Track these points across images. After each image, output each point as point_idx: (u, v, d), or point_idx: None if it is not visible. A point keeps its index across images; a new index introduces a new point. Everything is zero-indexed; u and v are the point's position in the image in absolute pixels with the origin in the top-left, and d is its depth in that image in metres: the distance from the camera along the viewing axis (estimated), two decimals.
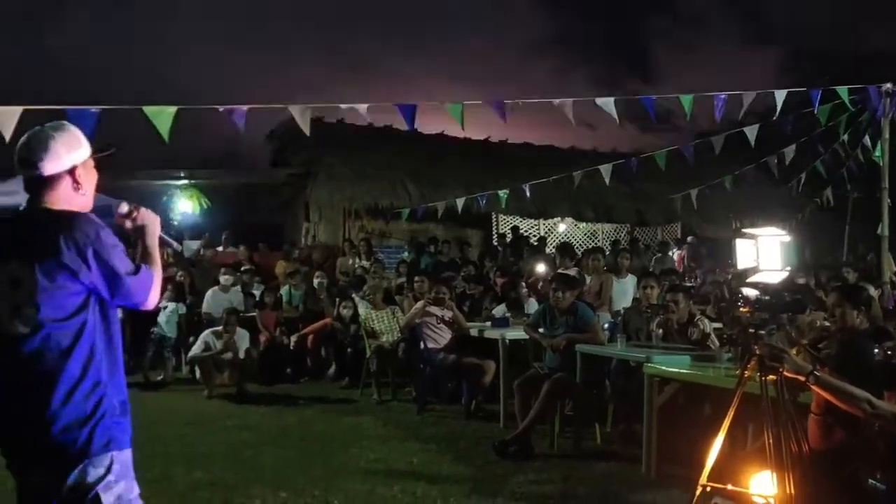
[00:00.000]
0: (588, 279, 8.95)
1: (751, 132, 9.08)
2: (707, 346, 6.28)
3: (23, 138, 2.33)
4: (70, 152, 2.32)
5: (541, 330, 6.52)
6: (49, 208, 2.30)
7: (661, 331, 6.38)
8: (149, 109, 4.97)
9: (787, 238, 3.00)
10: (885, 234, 8.55)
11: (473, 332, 7.53)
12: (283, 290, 10.96)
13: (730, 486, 3.20)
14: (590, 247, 13.68)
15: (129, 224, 2.46)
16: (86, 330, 2.24)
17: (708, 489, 3.20)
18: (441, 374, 7.50)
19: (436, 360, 7.41)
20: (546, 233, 16.32)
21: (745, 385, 3.17)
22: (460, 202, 12.26)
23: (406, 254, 14.53)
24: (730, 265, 13.84)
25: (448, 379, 7.62)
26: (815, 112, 8.25)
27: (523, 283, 9.05)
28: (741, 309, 3.10)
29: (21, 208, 2.35)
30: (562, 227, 16.79)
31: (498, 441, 5.84)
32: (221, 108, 5.27)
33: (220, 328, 8.48)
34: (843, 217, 15.95)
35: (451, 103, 5.97)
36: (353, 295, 9.42)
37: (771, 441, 2.94)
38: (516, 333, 6.96)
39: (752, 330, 3.07)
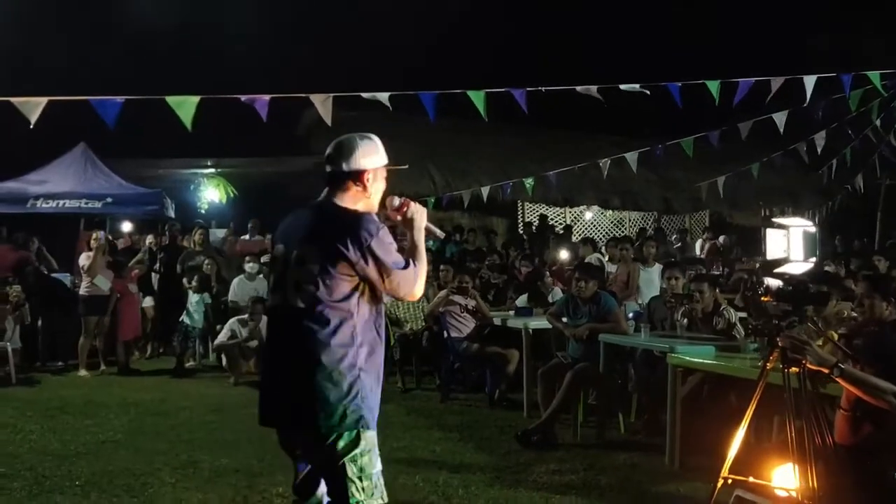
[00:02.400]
0: (615, 268, 8.90)
1: (779, 118, 8.93)
2: (732, 335, 6.21)
3: (335, 140, 2.71)
4: (364, 158, 2.65)
5: (564, 319, 6.49)
6: (338, 204, 2.63)
7: (685, 320, 6.32)
8: (172, 99, 5.01)
9: (812, 228, 2.94)
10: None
11: (497, 322, 7.51)
12: None
13: (751, 479, 3.16)
14: (617, 235, 13.61)
15: (399, 217, 2.70)
16: (353, 315, 2.50)
17: (730, 482, 3.16)
18: (464, 362, 7.51)
19: (459, 349, 7.42)
20: (572, 221, 16.24)
21: (767, 377, 3.12)
22: (485, 190, 12.24)
23: (431, 242, 14.55)
24: (759, 253, 13.66)
25: (472, 368, 7.63)
26: (847, 97, 8.07)
27: (547, 272, 9.01)
28: (763, 299, 3.05)
29: (318, 200, 2.70)
30: (588, 216, 16.68)
31: (521, 431, 5.84)
32: (244, 98, 5.30)
33: (245, 316, 8.56)
34: (875, 204, 15.66)
35: (473, 91, 5.93)
36: None
37: (794, 434, 2.89)
38: (540, 323, 6.94)
39: (775, 321, 3.02)
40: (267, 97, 5.29)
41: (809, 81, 7.58)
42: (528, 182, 11.76)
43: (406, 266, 2.57)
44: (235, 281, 9.86)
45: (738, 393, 5.63)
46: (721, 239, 13.36)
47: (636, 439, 6.05)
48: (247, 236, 14.41)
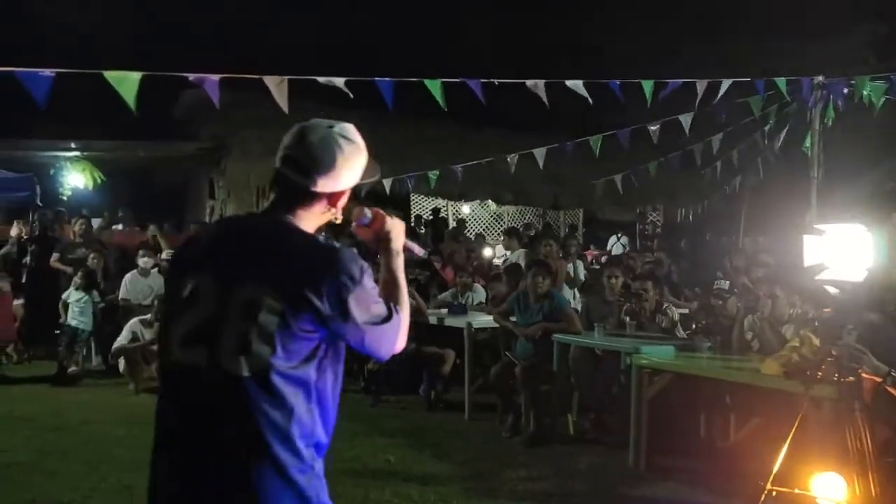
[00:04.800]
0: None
1: (685, 119, 9.25)
2: (675, 333, 6.32)
3: (303, 132, 1.81)
4: (349, 173, 1.84)
5: (513, 318, 6.34)
6: (303, 232, 1.82)
7: (628, 318, 6.35)
8: (111, 75, 4.34)
9: (871, 235, 2.91)
10: (813, 223, 8.89)
11: (433, 320, 7.23)
12: None
13: (797, 490, 3.12)
14: (499, 229, 13.70)
15: (370, 236, 1.95)
16: (311, 387, 1.76)
17: (774, 493, 3.10)
18: (399, 363, 7.16)
19: None
20: (453, 215, 16.23)
21: (812, 388, 3.08)
22: (388, 182, 11.88)
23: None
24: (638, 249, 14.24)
25: (405, 369, 7.29)
26: (763, 99, 8.49)
27: (469, 268, 8.84)
28: (825, 310, 3.01)
29: (263, 214, 1.88)
30: (466, 210, 16.73)
31: (527, 438, 5.80)
32: (192, 77, 4.70)
33: (149, 316, 7.78)
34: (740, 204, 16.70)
35: (429, 80, 5.64)
36: None
37: (852, 443, 2.86)
38: (485, 321, 6.76)
39: (830, 332, 2.98)
40: (217, 77, 4.73)
41: (725, 84, 7.92)
42: (433, 174, 11.54)
43: (388, 317, 1.83)
44: (127, 277, 8.95)
45: (682, 392, 5.72)
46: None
47: (588, 439, 6.00)
48: (119, 226, 13.31)
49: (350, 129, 1.87)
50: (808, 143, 9.07)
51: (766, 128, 10.81)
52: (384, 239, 1.95)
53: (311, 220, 1.86)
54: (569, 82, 6.57)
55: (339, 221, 1.91)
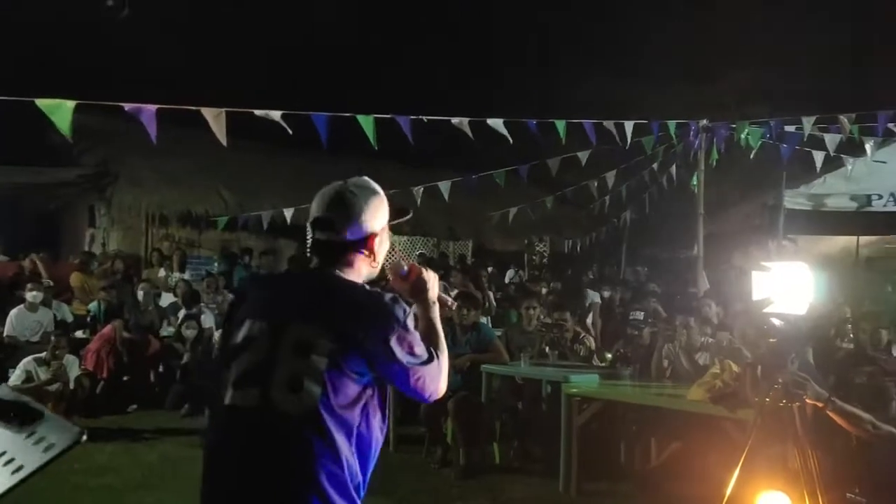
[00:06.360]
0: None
1: (583, 157, 9.75)
2: (591, 361, 6.62)
3: (320, 196, 2.00)
4: (374, 218, 2.01)
5: None
6: (349, 280, 1.99)
7: (547, 348, 6.60)
8: (43, 103, 4.11)
9: (811, 272, 3.21)
10: (700, 255, 9.57)
11: None
12: (92, 307, 9.73)
13: None
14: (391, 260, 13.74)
15: (405, 287, 2.10)
16: (357, 426, 1.86)
17: None
18: None
19: None
20: None
21: (762, 414, 3.34)
22: (289, 213, 11.70)
23: (216, 265, 13.58)
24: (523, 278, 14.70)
25: None
26: (656, 138, 9.07)
27: None
28: (770, 340, 3.27)
29: (312, 268, 2.06)
30: None
31: (457, 472, 5.83)
32: (127, 107, 4.52)
33: (44, 354, 7.27)
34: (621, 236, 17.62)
35: (362, 115, 5.68)
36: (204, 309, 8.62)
37: (802, 464, 3.12)
38: None
39: (775, 360, 3.25)
40: (153, 107, 4.56)
41: (629, 126, 8.45)
42: None
43: (430, 359, 1.94)
44: (14, 312, 8.33)
45: (605, 419, 5.98)
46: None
47: (514, 468, 6.13)
48: None
49: (362, 179, 2.06)
50: (695, 180, 9.79)
51: (655, 165, 11.53)
52: (420, 290, 2.10)
53: (354, 270, 2.01)
54: (490, 121, 6.81)
55: (377, 267, 2.05)
